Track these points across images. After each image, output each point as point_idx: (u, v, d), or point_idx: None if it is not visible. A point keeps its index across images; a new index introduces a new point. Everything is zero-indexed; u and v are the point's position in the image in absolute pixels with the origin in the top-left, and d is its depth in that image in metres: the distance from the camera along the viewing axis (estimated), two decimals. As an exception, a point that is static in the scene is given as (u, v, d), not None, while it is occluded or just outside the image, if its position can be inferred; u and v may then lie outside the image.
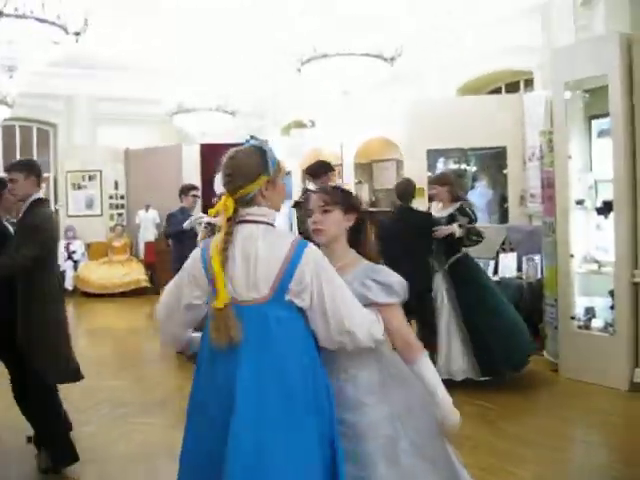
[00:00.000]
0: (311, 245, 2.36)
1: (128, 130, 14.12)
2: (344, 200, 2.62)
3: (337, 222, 2.58)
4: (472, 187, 9.39)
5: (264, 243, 2.31)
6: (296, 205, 7.31)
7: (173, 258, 7.76)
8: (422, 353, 2.52)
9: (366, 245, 2.65)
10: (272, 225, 2.39)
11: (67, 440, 4.24)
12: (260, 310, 2.30)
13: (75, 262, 13.08)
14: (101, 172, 13.83)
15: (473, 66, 10.35)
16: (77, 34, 5.94)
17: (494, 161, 9.23)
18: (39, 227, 4.01)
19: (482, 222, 8.87)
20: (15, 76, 6.44)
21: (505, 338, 5.78)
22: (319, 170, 7.04)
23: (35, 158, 14.28)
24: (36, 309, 3.99)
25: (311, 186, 7.37)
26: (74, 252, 13.16)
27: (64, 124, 14.32)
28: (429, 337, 5.72)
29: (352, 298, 2.36)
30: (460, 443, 4.57)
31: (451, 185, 6.20)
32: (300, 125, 13.14)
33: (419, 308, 5.47)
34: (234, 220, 2.34)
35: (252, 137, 2.56)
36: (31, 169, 4.21)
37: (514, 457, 4.35)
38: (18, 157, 14.09)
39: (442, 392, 2.49)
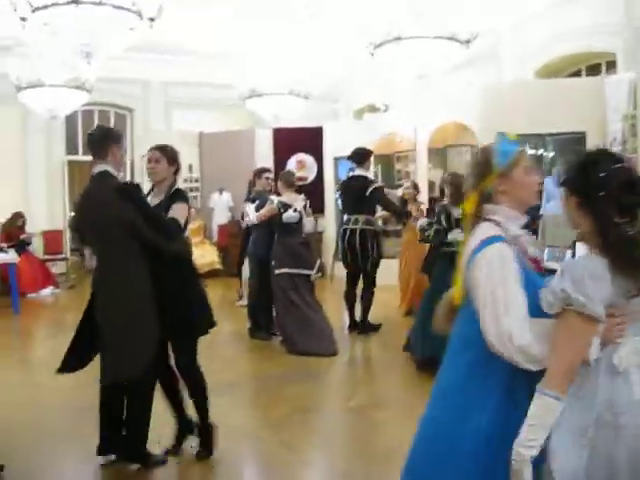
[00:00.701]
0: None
1: (202, 114, 14.30)
2: None
3: None
4: (549, 173, 9.12)
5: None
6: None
7: (260, 244, 7.43)
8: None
9: None
10: (498, 223, 2.27)
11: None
12: None
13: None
14: (176, 156, 14.05)
15: (552, 48, 10.02)
16: (152, 20, 6.01)
17: (573, 147, 8.93)
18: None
19: (558, 210, 8.63)
20: (93, 62, 6.56)
21: None
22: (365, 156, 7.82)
23: (113, 142, 14.66)
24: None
25: (357, 172, 7.57)
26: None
27: (140, 109, 14.60)
28: None
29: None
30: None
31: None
32: (373, 109, 13.03)
33: None
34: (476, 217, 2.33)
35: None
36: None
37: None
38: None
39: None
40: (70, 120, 13.46)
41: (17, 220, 11.57)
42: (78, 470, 4.16)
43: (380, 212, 8.19)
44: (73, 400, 5.46)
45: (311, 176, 12.91)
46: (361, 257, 7.53)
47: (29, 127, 13.20)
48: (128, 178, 14.80)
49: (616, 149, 7.65)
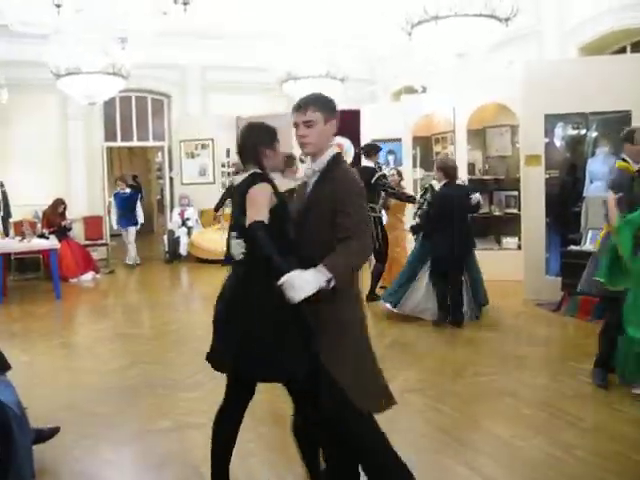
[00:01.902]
0: None
1: (239, 98, 14.26)
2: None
3: None
4: (592, 154, 8.89)
5: None
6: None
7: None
8: None
9: None
10: None
11: None
12: None
13: (189, 229, 13.46)
14: (213, 140, 14.09)
15: (595, 24, 9.72)
16: (185, 3, 5.97)
17: (617, 126, 8.68)
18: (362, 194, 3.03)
19: (602, 191, 8.42)
20: (129, 48, 6.58)
21: None
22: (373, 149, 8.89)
23: (150, 128, 14.75)
24: None
25: (366, 163, 8.84)
26: (188, 219, 13.53)
27: (177, 94, 14.63)
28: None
29: None
30: (570, 422, 4.39)
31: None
32: (411, 90, 12.83)
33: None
34: None
35: None
36: (333, 110, 3.11)
37: (635, 443, 4.07)
38: (135, 127, 14.59)
39: None
40: (108, 106, 13.56)
41: (58, 206, 11.71)
42: (116, 451, 4.18)
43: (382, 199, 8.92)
44: (113, 383, 5.52)
45: (349, 159, 12.80)
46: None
47: (68, 114, 13.34)
48: (166, 163, 14.92)
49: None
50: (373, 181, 8.36)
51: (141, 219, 13.15)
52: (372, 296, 8.59)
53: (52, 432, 4.01)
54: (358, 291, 3.09)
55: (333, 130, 3.07)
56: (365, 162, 8.90)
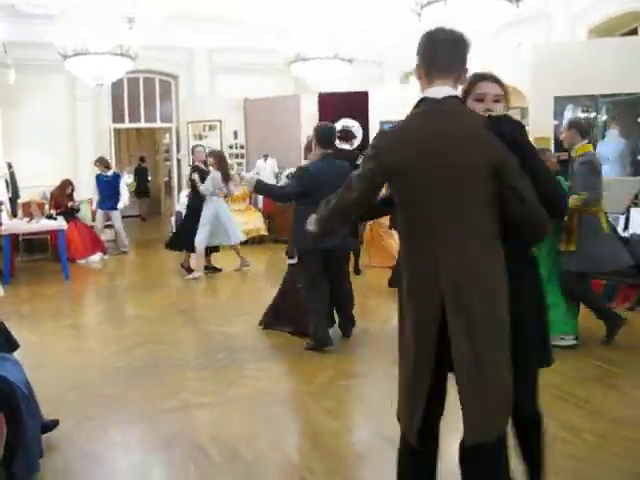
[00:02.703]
0: None
1: (247, 80, 14.22)
2: None
3: None
4: (603, 137, 8.84)
5: None
6: None
7: None
8: None
9: None
10: None
11: None
12: None
13: (196, 210, 13.40)
14: (221, 122, 14.04)
15: (605, 5, 9.64)
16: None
17: (628, 109, 8.61)
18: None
19: (613, 174, 8.37)
20: (137, 29, 6.54)
21: None
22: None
23: (158, 109, 14.72)
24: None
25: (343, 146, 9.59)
26: (195, 201, 13.47)
27: (185, 75, 14.59)
28: None
29: None
30: (577, 405, 4.39)
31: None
32: (419, 72, 12.75)
33: None
34: None
35: None
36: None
37: (638, 425, 4.08)
38: (142, 108, 14.55)
39: None
40: (116, 88, 13.53)
41: (66, 187, 11.70)
42: (124, 431, 4.21)
43: None
44: (120, 364, 5.55)
45: (357, 142, 12.76)
46: None
47: (76, 95, 13.34)
48: (174, 145, 14.90)
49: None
50: (358, 162, 8.59)
51: (123, 202, 12.29)
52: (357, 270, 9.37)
53: (54, 424, 4.00)
54: None
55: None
56: (341, 145, 9.81)
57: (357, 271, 9.29)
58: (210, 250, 9.78)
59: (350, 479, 3.66)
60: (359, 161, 8.42)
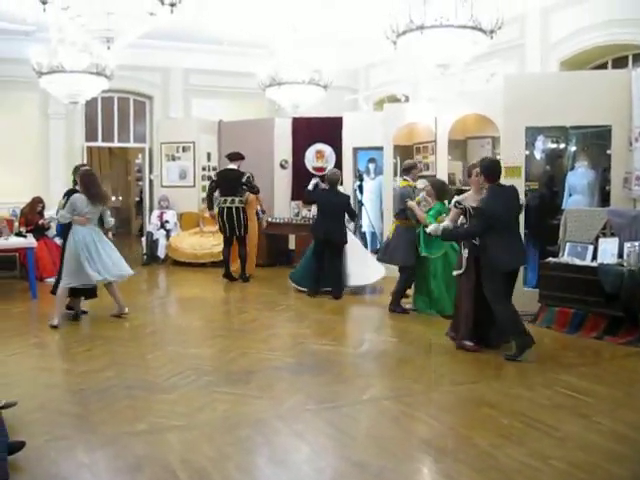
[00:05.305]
0: None
1: (222, 102, 14.26)
2: None
3: None
4: (572, 167, 8.99)
5: None
6: None
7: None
8: None
9: None
10: None
11: None
12: None
13: (167, 231, 13.36)
14: (194, 144, 14.03)
15: (577, 39, 9.85)
16: (172, 5, 5.93)
17: (597, 141, 8.78)
18: None
19: (582, 204, 8.51)
20: (114, 49, 6.53)
21: None
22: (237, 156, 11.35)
23: (132, 129, 14.65)
24: None
25: (231, 165, 11.38)
26: (167, 222, 13.43)
27: (159, 96, 14.55)
28: None
29: None
30: (546, 432, 4.42)
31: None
32: (394, 99, 12.89)
33: None
34: None
35: None
36: None
37: (609, 454, 4.11)
38: (116, 128, 14.46)
39: None
40: (90, 106, 13.45)
41: (36, 205, 11.59)
42: (92, 453, 4.13)
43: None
44: (89, 384, 5.47)
45: (329, 166, 12.82)
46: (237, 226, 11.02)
47: (49, 112, 13.23)
48: (146, 165, 14.83)
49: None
50: (243, 180, 10.97)
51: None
52: (245, 277, 10.85)
53: (20, 445, 3.93)
54: None
55: None
56: (230, 165, 11.29)
57: None
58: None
59: (320, 504, 3.64)
60: (244, 179, 10.87)
